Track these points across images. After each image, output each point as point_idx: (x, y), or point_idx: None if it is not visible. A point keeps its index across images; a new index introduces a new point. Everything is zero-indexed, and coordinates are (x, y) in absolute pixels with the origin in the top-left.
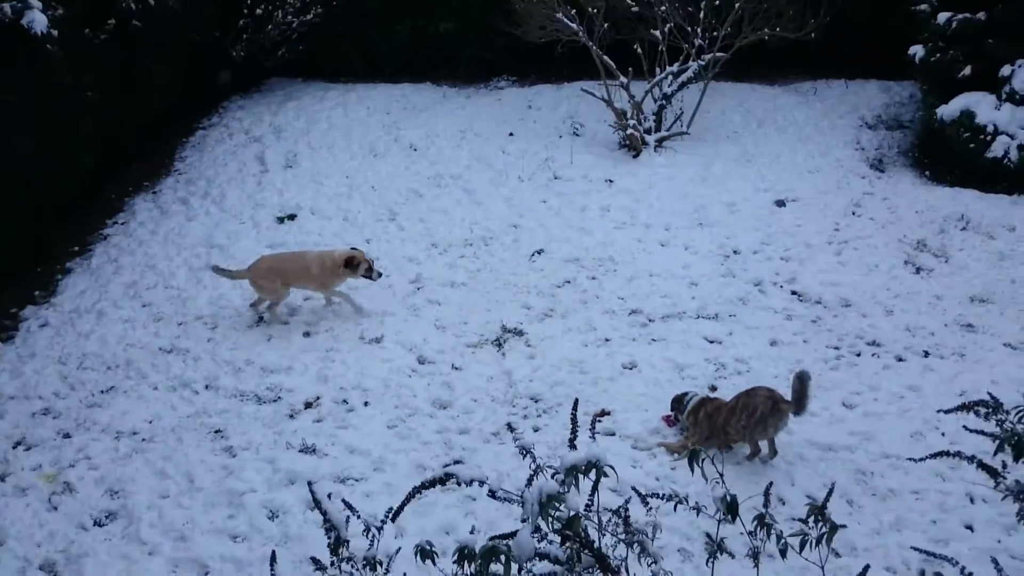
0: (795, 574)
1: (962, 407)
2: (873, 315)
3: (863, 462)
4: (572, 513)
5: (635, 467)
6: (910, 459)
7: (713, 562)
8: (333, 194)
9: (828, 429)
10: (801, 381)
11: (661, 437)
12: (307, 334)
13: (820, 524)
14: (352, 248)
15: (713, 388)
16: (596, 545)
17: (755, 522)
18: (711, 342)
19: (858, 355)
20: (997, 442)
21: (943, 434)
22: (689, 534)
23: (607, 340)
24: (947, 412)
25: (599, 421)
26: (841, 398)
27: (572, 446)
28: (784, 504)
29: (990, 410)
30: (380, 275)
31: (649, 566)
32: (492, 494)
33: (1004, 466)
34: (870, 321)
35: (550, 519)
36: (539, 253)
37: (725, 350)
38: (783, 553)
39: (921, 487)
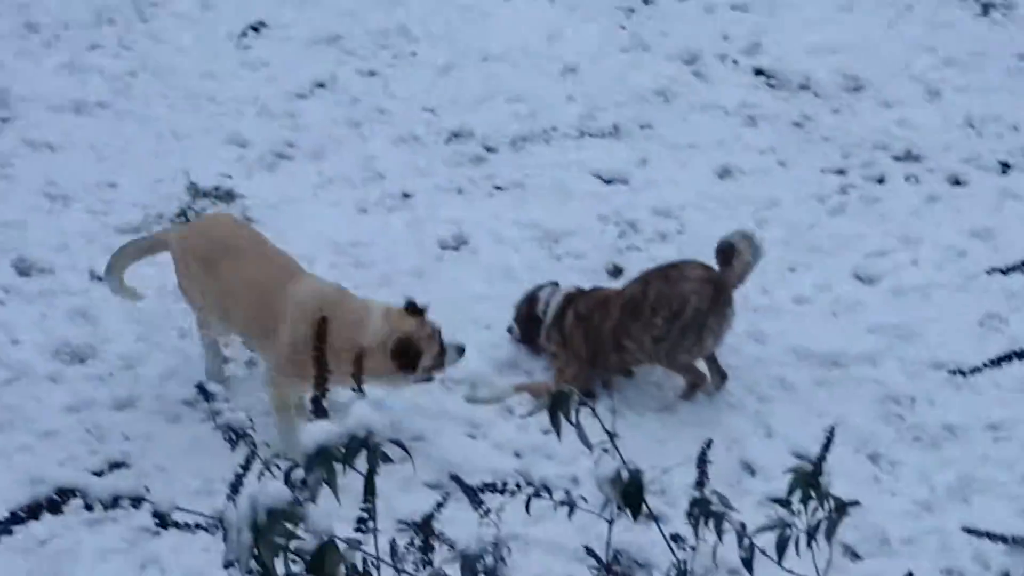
0: None
1: None
2: (908, 103)
3: (895, 381)
4: (324, 540)
5: (474, 437)
6: (981, 367)
7: None
8: None
9: (832, 326)
10: (732, 247)
11: (524, 375)
12: None
13: (816, 504)
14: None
15: (617, 271)
16: None
17: (692, 512)
18: (607, 182)
19: (879, 182)
20: None
21: None
22: (576, 551)
23: (406, 196)
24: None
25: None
26: (852, 265)
27: (318, 409)
28: (754, 475)
29: None
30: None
31: None
32: (161, 520)
33: None
34: (899, 114)
35: (282, 554)
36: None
37: (636, 195)
38: (747, 565)
39: (1004, 416)
